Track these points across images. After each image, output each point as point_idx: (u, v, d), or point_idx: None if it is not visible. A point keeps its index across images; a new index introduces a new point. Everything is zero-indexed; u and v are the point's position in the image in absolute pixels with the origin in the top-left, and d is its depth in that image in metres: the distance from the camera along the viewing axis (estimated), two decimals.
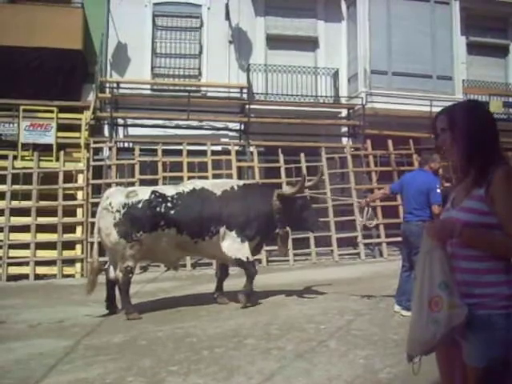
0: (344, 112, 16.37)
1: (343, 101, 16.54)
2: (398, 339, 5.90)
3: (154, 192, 7.97)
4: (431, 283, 2.43)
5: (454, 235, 2.43)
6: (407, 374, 4.61)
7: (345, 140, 16.18)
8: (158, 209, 7.79)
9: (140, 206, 7.77)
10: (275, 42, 16.68)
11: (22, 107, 13.15)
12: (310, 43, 17.07)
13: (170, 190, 8.12)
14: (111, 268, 8.00)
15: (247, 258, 8.03)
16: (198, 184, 8.44)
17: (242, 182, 9.12)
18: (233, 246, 7.97)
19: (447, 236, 2.46)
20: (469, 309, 2.39)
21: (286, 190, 8.65)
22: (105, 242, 7.93)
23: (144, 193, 7.96)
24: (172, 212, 7.81)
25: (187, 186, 8.30)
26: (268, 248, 11.36)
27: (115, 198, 7.89)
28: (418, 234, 6.94)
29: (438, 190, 7.05)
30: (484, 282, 2.41)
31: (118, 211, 7.71)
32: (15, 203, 12.40)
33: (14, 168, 12.71)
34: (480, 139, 2.52)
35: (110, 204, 7.80)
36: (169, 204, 7.84)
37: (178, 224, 7.80)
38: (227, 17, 16.09)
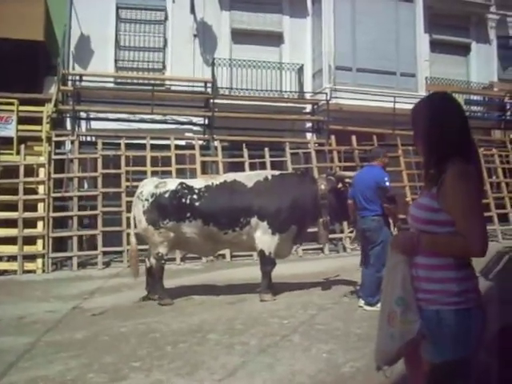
0: (308, 107, 16.50)
1: (308, 96, 16.64)
2: (360, 333, 5.98)
3: (181, 183, 8.29)
4: (391, 298, 2.50)
5: (414, 247, 2.46)
6: (369, 368, 4.68)
7: (309, 135, 16.28)
8: (183, 200, 8.08)
9: (167, 195, 8.12)
10: (240, 36, 16.67)
11: None
12: (275, 38, 17.10)
13: (199, 183, 8.43)
14: (150, 257, 8.39)
15: (269, 254, 8.08)
16: (231, 176, 8.66)
17: (277, 172, 9.12)
18: (263, 237, 8.06)
19: (410, 248, 2.49)
20: (421, 304, 2.44)
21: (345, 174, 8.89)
22: (138, 228, 8.35)
23: (172, 184, 8.32)
24: (197, 204, 8.03)
25: (219, 179, 8.56)
26: None
27: (146, 187, 8.36)
28: (374, 228, 7.03)
29: (387, 183, 7.02)
30: (433, 277, 2.45)
31: (146, 200, 8.15)
32: None
33: None
34: (434, 138, 2.52)
35: (141, 193, 8.30)
36: (195, 196, 8.08)
37: (204, 215, 7.99)
38: (192, 10, 16.03)
